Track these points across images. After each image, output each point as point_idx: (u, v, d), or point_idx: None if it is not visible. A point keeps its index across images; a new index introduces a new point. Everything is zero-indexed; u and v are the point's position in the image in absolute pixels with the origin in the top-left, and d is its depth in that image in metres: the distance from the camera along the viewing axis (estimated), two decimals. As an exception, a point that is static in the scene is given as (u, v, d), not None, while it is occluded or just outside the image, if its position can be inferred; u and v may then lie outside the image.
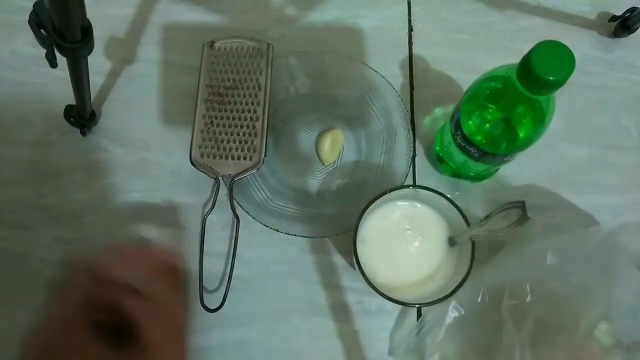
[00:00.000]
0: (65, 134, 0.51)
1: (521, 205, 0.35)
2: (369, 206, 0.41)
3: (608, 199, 0.50)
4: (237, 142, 0.45)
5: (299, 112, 0.52)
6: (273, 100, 0.47)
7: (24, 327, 0.40)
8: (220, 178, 0.45)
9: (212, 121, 0.45)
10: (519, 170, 0.50)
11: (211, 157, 0.45)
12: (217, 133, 0.45)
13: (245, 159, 0.45)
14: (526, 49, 0.34)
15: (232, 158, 0.45)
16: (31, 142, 0.51)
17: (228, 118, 0.46)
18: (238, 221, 0.45)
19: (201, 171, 0.45)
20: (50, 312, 0.29)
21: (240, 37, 0.47)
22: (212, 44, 0.47)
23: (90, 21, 0.36)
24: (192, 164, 0.45)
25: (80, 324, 0.29)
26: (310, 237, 0.46)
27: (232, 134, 0.45)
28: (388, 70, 0.50)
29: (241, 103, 0.46)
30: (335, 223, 0.46)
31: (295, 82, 0.51)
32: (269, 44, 0.47)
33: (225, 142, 0.45)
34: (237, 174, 0.45)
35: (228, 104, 0.46)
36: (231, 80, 0.46)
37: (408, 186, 0.43)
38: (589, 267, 0.41)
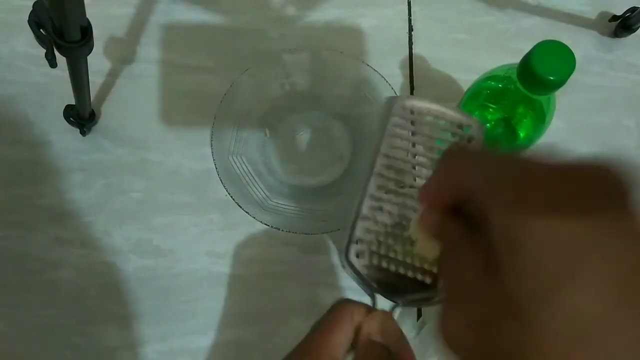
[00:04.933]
0: (65, 133, 0.51)
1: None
2: None
3: None
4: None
5: (295, 109, 0.52)
6: (267, 97, 0.44)
7: (24, 327, 0.40)
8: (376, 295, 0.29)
9: (381, 207, 0.30)
10: (519, 170, 0.50)
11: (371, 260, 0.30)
12: (387, 226, 0.30)
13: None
14: (526, 48, 0.34)
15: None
16: (31, 142, 0.51)
17: (404, 206, 0.30)
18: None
19: (356, 281, 0.29)
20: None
21: (444, 107, 0.32)
22: (405, 103, 0.32)
23: (90, 21, 0.36)
24: (344, 264, 0.29)
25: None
26: (311, 234, 0.46)
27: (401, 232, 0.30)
28: (388, 70, 0.50)
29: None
30: (335, 219, 0.46)
31: (289, 79, 0.51)
32: (484, 126, 0.32)
33: (394, 240, 0.30)
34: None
35: (409, 187, 0.31)
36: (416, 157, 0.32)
37: None
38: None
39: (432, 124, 0.32)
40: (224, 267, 0.48)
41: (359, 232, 0.30)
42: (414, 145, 0.32)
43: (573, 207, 0.16)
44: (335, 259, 0.48)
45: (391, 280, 0.29)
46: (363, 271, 0.29)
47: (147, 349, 0.46)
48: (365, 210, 0.30)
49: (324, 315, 0.27)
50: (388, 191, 0.31)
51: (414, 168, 0.31)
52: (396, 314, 0.28)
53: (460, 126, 0.32)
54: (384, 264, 0.29)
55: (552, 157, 0.18)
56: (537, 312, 0.16)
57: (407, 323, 0.47)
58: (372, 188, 0.31)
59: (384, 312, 0.27)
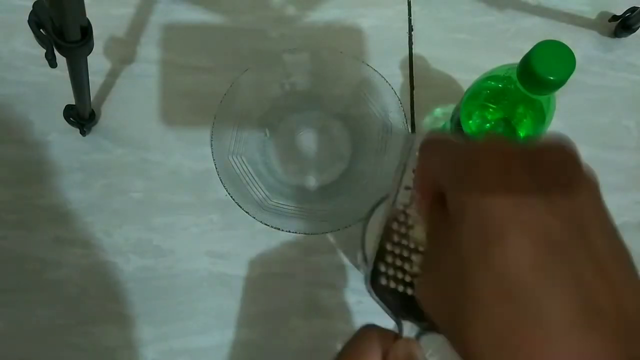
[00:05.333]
0: (65, 133, 0.51)
1: None
2: (380, 203, 0.41)
3: (608, 199, 0.50)
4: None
5: (295, 109, 0.52)
6: (267, 97, 0.44)
7: (24, 327, 0.40)
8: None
9: (406, 234, 0.30)
10: (519, 170, 0.50)
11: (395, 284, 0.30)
12: (411, 253, 0.30)
13: None
14: (526, 48, 0.34)
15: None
16: (31, 142, 0.51)
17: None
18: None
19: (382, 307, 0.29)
20: None
21: None
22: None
23: (90, 21, 0.36)
24: (370, 291, 0.29)
25: None
26: (311, 234, 0.46)
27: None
28: (388, 70, 0.50)
29: None
30: (335, 219, 0.46)
31: (289, 79, 0.51)
32: None
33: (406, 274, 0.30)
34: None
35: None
36: None
37: None
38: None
39: None
40: (224, 267, 0.48)
41: (382, 259, 0.30)
42: None
43: (512, 186, 0.18)
44: (336, 259, 0.48)
45: (416, 307, 0.29)
46: (388, 298, 0.29)
47: (147, 349, 0.46)
48: (389, 237, 0.30)
49: (350, 341, 0.27)
50: (412, 221, 0.31)
51: None
52: (422, 340, 0.27)
53: None
54: (409, 292, 0.29)
55: (502, 141, 0.20)
56: (476, 270, 0.18)
57: (407, 324, 0.47)
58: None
59: (409, 340, 0.27)
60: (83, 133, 0.50)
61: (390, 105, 0.49)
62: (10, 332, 0.46)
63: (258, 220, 0.45)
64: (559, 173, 0.19)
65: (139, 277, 0.48)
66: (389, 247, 0.30)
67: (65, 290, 0.47)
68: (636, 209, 0.50)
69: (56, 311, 0.47)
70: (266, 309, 0.47)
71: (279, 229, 0.45)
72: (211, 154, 0.45)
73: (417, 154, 0.32)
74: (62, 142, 0.51)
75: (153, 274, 0.48)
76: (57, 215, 0.49)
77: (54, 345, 0.46)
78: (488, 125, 0.41)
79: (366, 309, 0.47)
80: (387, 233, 0.30)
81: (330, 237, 0.49)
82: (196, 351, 0.46)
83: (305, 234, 0.45)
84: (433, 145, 0.23)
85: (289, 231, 0.45)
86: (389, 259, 0.29)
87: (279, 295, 0.47)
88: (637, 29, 0.54)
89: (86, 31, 0.36)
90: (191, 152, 0.51)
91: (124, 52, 0.54)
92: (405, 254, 0.29)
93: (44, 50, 0.36)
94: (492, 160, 0.19)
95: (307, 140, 0.51)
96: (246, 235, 0.48)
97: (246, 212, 0.46)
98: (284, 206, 0.48)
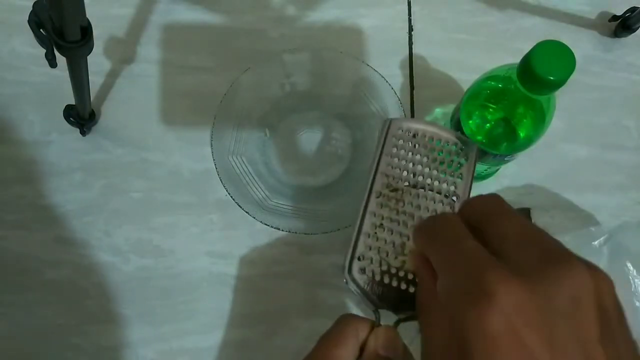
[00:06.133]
0: (65, 133, 0.51)
1: (527, 213, 0.35)
2: None
3: (608, 199, 0.50)
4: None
5: (295, 109, 0.52)
6: (267, 97, 0.44)
7: (24, 327, 0.40)
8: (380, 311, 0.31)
9: (382, 224, 0.32)
10: (520, 170, 0.50)
11: (373, 275, 0.31)
12: (387, 242, 0.31)
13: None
14: (526, 48, 0.34)
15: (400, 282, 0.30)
16: (31, 142, 0.51)
17: (404, 224, 0.32)
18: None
19: (356, 295, 0.31)
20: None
21: (439, 128, 0.35)
22: (402, 125, 0.35)
23: (90, 21, 0.36)
24: (347, 281, 0.31)
25: None
26: (311, 234, 0.46)
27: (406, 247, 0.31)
28: (388, 70, 0.50)
29: (426, 209, 0.32)
30: (335, 219, 0.46)
31: (289, 79, 0.51)
32: (476, 146, 0.35)
33: (395, 256, 0.31)
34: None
35: (409, 204, 0.32)
36: (415, 176, 0.34)
37: None
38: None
39: (428, 144, 0.34)
40: (224, 267, 0.48)
41: (360, 249, 0.31)
42: (411, 164, 0.33)
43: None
44: (336, 258, 0.48)
45: (393, 295, 0.30)
46: (366, 287, 0.30)
47: (147, 349, 0.46)
48: (366, 227, 0.32)
49: (329, 329, 0.27)
50: (388, 208, 0.32)
51: (413, 186, 0.32)
52: (398, 329, 0.28)
53: (455, 146, 0.34)
54: (386, 280, 0.30)
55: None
56: None
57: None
58: (372, 206, 0.32)
59: (388, 327, 0.27)
60: (83, 133, 0.50)
61: (390, 105, 0.49)
62: (10, 332, 0.46)
63: (258, 220, 0.45)
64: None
65: (139, 277, 0.48)
66: (367, 236, 0.31)
67: (65, 290, 0.47)
68: (636, 209, 0.50)
69: (56, 311, 0.47)
70: (266, 309, 0.47)
71: (279, 229, 0.45)
72: (211, 154, 0.45)
73: (394, 139, 0.33)
74: (62, 142, 0.51)
75: (153, 273, 0.48)
76: (57, 215, 0.49)
77: (54, 345, 0.46)
78: (488, 125, 0.41)
79: (366, 309, 0.47)
80: (364, 222, 0.31)
81: (330, 237, 0.49)
82: (196, 351, 0.46)
83: (305, 234, 0.45)
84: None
85: (289, 231, 0.45)
86: (367, 248, 0.31)
87: (279, 295, 0.47)
88: (637, 29, 0.54)
89: (86, 31, 0.36)
90: (191, 152, 0.51)
91: (124, 52, 0.54)
92: (384, 241, 0.31)
93: (44, 50, 0.36)
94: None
95: (307, 140, 0.51)
96: (246, 235, 0.48)
97: (246, 212, 0.46)
98: (284, 206, 0.48)
